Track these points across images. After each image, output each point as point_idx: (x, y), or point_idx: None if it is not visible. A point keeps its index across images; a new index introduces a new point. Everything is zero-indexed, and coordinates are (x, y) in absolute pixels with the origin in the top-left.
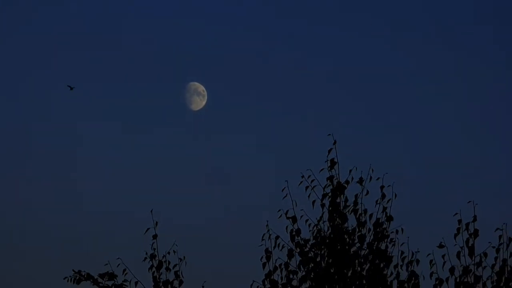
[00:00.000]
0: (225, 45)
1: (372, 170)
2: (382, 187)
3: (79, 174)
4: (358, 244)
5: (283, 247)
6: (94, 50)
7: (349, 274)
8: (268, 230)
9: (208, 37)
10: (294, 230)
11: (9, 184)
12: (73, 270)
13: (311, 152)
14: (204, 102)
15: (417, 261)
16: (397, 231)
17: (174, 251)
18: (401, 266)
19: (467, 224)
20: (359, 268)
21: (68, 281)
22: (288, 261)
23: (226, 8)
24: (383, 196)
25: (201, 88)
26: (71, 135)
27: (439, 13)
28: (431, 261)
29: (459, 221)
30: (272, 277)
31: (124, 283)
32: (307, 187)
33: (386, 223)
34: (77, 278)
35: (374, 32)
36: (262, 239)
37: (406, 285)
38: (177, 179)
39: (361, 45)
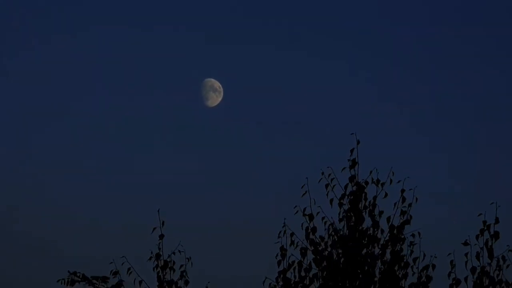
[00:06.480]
0: (241, 40)
1: (393, 173)
2: (402, 191)
3: (84, 173)
4: (371, 245)
5: (297, 245)
6: (101, 49)
7: (361, 274)
8: (284, 226)
9: (223, 33)
10: (310, 228)
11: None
12: (68, 271)
13: (330, 150)
14: (220, 99)
15: (433, 266)
16: (413, 235)
17: (179, 251)
18: (414, 267)
19: (488, 226)
20: (370, 269)
21: (61, 283)
22: (302, 259)
23: (241, 2)
24: (403, 199)
25: (217, 84)
26: (81, 137)
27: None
28: (451, 261)
29: (484, 222)
30: (285, 275)
31: (121, 282)
32: (327, 185)
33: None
34: (71, 279)
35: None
36: (279, 236)
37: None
38: (189, 176)
39: (370, 43)
